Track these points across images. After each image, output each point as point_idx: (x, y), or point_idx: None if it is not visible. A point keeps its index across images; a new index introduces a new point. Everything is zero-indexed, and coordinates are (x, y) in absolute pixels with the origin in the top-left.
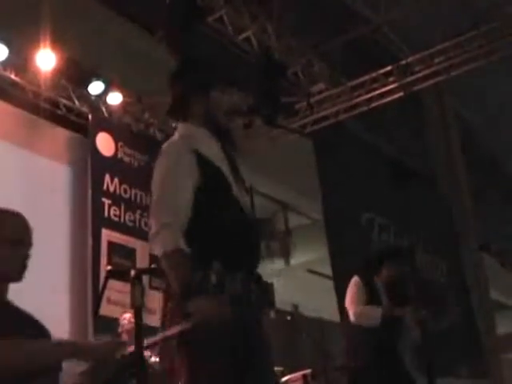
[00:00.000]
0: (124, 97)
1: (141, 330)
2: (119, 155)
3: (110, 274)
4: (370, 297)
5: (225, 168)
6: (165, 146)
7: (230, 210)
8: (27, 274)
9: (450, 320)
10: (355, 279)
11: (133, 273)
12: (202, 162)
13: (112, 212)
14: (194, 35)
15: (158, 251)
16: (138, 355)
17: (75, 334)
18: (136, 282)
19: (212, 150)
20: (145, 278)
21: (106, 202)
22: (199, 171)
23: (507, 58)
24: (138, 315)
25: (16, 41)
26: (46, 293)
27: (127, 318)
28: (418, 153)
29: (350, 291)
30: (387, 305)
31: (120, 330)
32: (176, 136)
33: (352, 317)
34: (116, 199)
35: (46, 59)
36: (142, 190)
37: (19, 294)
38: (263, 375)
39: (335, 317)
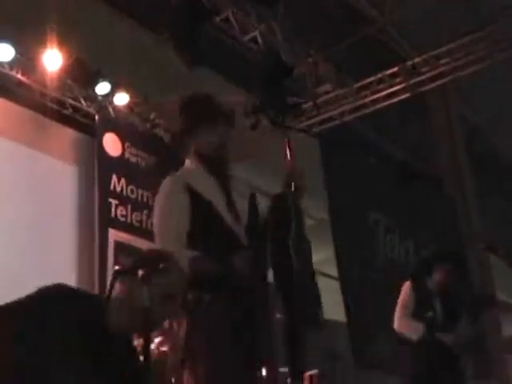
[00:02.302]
0: (131, 97)
1: (148, 330)
2: (126, 155)
3: (117, 275)
4: (420, 302)
5: (217, 201)
6: (163, 182)
7: (220, 242)
8: (33, 274)
9: None
10: (406, 284)
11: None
12: (194, 197)
13: (119, 212)
14: (200, 36)
15: None
16: (146, 353)
17: None
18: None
19: (204, 185)
20: None
21: (113, 202)
22: (191, 207)
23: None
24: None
25: (23, 41)
26: None
27: None
28: (423, 153)
29: (400, 296)
30: (430, 324)
31: None
32: (177, 172)
33: (395, 325)
34: (123, 199)
35: (52, 59)
36: (149, 191)
37: (26, 294)
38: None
39: (341, 317)
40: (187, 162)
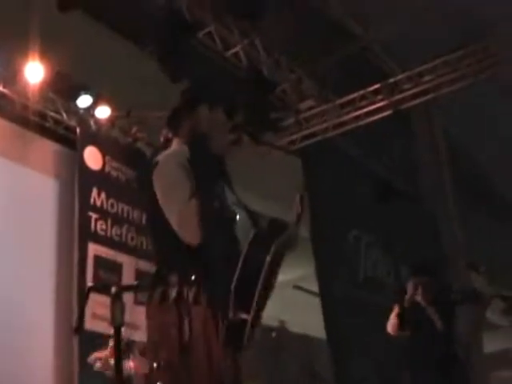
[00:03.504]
0: (112, 110)
1: (120, 346)
2: (107, 169)
3: (92, 291)
4: (410, 322)
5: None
6: (161, 159)
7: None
8: (13, 288)
9: None
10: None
11: (113, 290)
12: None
13: (99, 226)
14: (183, 50)
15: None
16: (118, 371)
17: (60, 349)
18: (116, 299)
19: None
20: (129, 294)
21: (93, 216)
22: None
23: (495, 76)
24: (117, 332)
25: (4, 53)
26: (31, 306)
27: None
28: (405, 170)
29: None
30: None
31: None
32: (169, 150)
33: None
34: (103, 213)
35: (34, 72)
36: (129, 205)
37: (3, 307)
38: None
39: (321, 334)
40: (177, 143)
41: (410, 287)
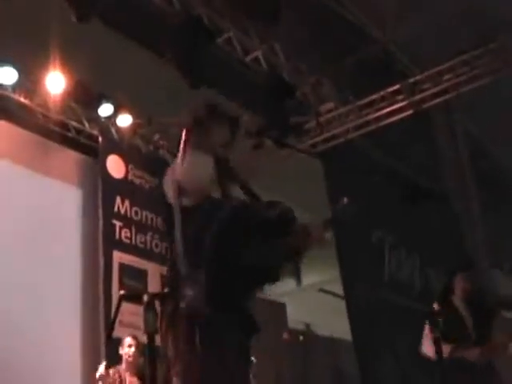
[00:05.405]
0: (134, 119)
1: (154, 353)
2: (130, 177)
3: (123, 299)
4: (449, 320)
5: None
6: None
7: None
8: (39, 296)
9: None
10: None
11: (145, 298)
12: None
13: (123, 234)
14: (202, 57)
15: None
16: (152, 377)
17: (87, 356)
18: (149, 306)
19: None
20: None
21: (117, 224)
22: None
23: None
24: (151, 340)
25: (26, 64)
26: (57, 315)
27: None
28: (428, 170)
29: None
30: (454, 346)
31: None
32: None
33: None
34: (127, 221)
35: (55, 82)
36: (153, 212)
37: (31, 316)
38: None
39: (348, 336)
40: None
41: (457, 283)
